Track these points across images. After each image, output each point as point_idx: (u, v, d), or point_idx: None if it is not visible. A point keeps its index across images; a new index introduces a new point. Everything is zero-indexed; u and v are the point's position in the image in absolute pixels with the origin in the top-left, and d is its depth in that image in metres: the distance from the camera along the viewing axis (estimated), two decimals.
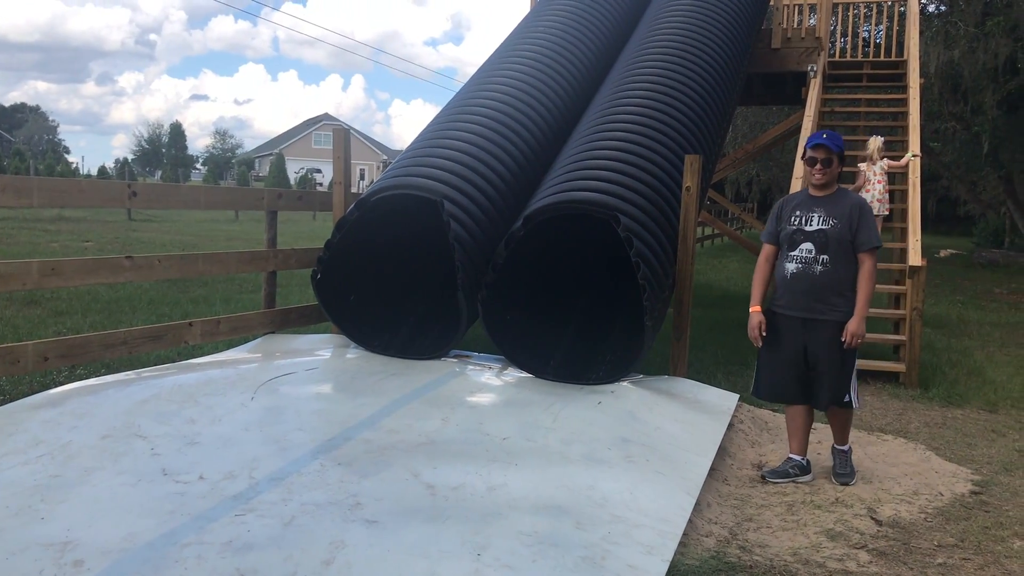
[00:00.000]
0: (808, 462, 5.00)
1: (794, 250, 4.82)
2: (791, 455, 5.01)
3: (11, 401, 4.84)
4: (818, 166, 4.81)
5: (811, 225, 4.79)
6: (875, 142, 9.15)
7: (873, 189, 9.05)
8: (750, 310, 4.96)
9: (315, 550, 3.29)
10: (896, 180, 10.19)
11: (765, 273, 5.01)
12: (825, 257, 4.73)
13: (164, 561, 3.14)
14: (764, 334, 4.89)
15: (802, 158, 5.28)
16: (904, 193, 9.56)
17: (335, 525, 3.51)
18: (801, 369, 4.86)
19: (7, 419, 4.48)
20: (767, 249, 5.02)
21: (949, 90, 19.35)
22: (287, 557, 3.22)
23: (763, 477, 4.91)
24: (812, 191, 4.91)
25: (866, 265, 4.71)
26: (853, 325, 4.68)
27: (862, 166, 9.25)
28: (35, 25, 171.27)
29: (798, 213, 4.87)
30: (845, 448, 5.01)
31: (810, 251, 4.77)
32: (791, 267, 4.83)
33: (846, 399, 4.82)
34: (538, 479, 4.15)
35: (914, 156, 9.27)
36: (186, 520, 3.47)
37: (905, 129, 10.25)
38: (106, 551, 3.17)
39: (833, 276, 4.73)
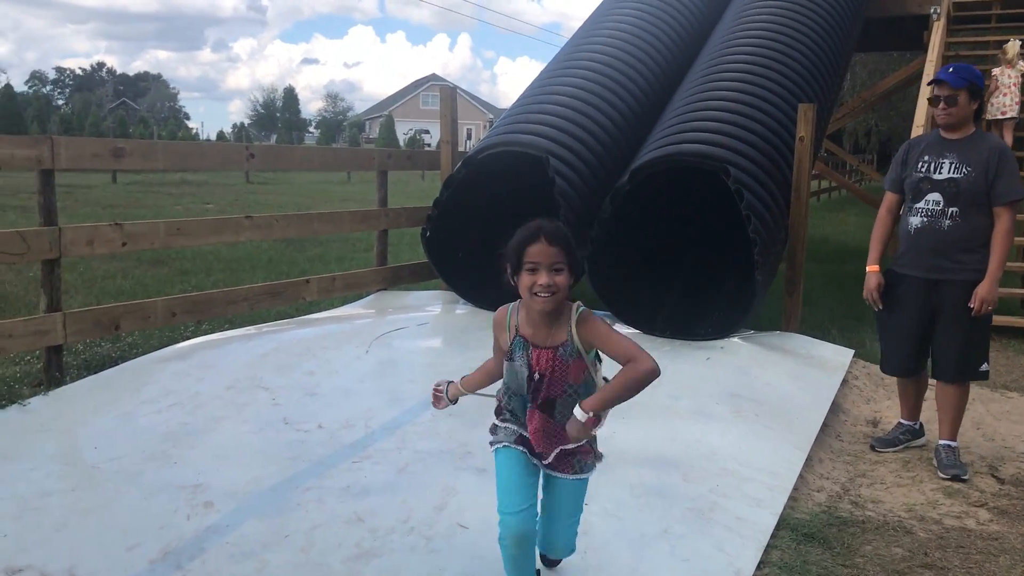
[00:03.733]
0: (921, 425, 4.65)
1: (919, 201, 4.23)
2: (901, 420, 4.65)
3: (143, 355, 5.12)
4: (941, 105, 4.20)
5: (940, 173, 4.18)
6: (1014, 46, 8.76)
7: (1009, 94, 8.70)
8: (867, 269, 4.43)
9: (428, 495, 3.40)
10: None
11: (886, 227, 4.45)
12: (955, 210, 4.13)
13: (287, 504, 3.31)
14: (882, 297, 4.38)
15: (928, 99, 4.59)
16: None
17: (446, 472, 3.62)
18: (920, 339, 4.36)
19: (140, 371, 4.76)
20: (889, 199, 4.43)
21: None
22: (402, 502, 3.35)
23: (872, 447, 4.57)
24: (943, 133, 4.28)
25: (1003, 220, 4.08)
26: (983, 290, 4.08)
27: (996, 71, 8.84)
28: None
29: (926, 158, 4.26)
30: (954, 444, 4.33)
31: (938, 203, 4.17)
32: (915, 221, 4.25)
33: (983, 368, 4.29)
34: (646, 432, 4.16)
35: None
36: (307, 466, 3.64)
37: None
38: (233, 493, 3.36)
39: (963, 231, 4.13)
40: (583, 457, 2.67)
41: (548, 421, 2.59)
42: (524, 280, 2.48)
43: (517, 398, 2.66)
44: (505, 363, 2.63)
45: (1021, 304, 7.86)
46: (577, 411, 2.50)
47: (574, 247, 2.53)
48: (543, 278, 2.45)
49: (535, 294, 2.46)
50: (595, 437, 2.69)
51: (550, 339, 2.55)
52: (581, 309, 2.55)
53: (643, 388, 2.50)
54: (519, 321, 2.60)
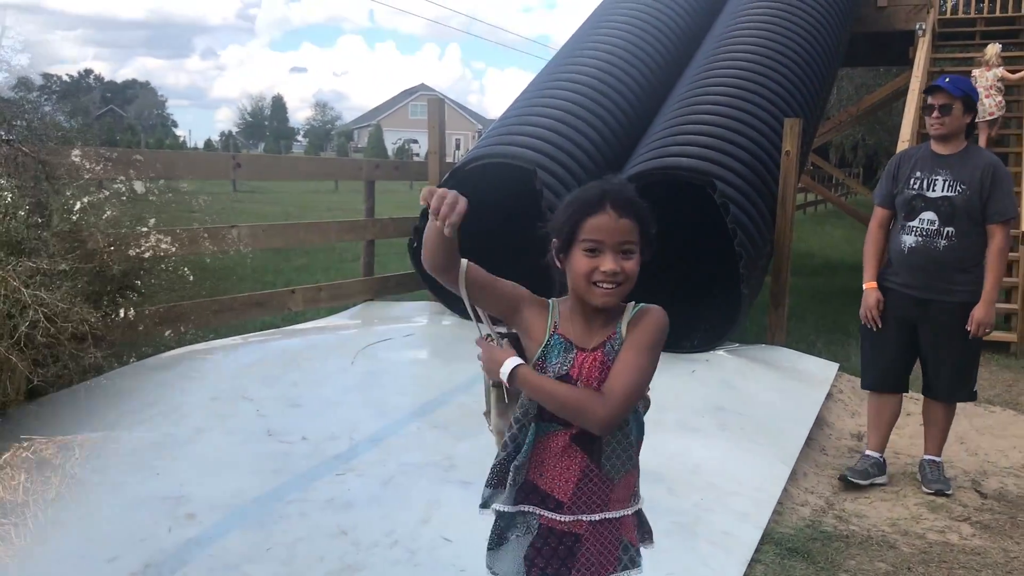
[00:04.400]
0: (884, 460, 4.40)
1: (912, 219, 4.11)
2: (868, 452, 4.41)
3: (126, 364, 5.08)
4: (935, 114, 4.05)
5: (934, 190, 4.05)
6: (993, 48, 8.95)
7: (990, 96, 8.86)
8: (864, 287, 4.27)
9: (412, 509, 3.39)
10: (1010, 143, 9.73)
11: (879, 243, 4.29)
12: (950, 230, 4.01)
13: (270, 517, 3.29)
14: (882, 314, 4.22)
15: (922, 109, 4.49)
16: (1020, 156, 9.13)
17: (431, 485, 3.60)
18: (907, 354, 4.26)
19: (124, 381, 4.72)
20: (880, 214, 4.30)
21: None
22: (385, 515, 3.33)
23: (844, 477, 4.29)
24: (935, 147, 4.14)
25: (997, 239, 3.98)
26: (980, 313, 3.98)
27: (975, 72, 8.94)
28: (142, 3, 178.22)
29: (918, 174, 4.13)
30: (938, 459, 4.31)
31: (932, 222, 4.04)
32: (908, 240, 4.12)
33: (975, 389, 4.26)
34: None
35: None
36: (290, 478, 3.62)
37: (1022, 89, 9.76)
38: (216, 506, 3.33)
39: (958, 252, 4.02)
40: (633, 541, 1.89)
41: (591, 469, 1.85)
42: (579, 263, 1.80)
43: (526, 430, 1.87)
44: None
45: (1004, 320, 7.90)
46: (510, 361, 1.82)
47: (649, 219, 1.83)
48: (608, 263, 1.77)
49: (595, 283, 1.79)
50: (641, 508, 1.96)
51: (597, 337, 1.85)
52: (640, 306, 1.89)
53: (574, 420, 1.81)
54: (559, 317, 1.89)
